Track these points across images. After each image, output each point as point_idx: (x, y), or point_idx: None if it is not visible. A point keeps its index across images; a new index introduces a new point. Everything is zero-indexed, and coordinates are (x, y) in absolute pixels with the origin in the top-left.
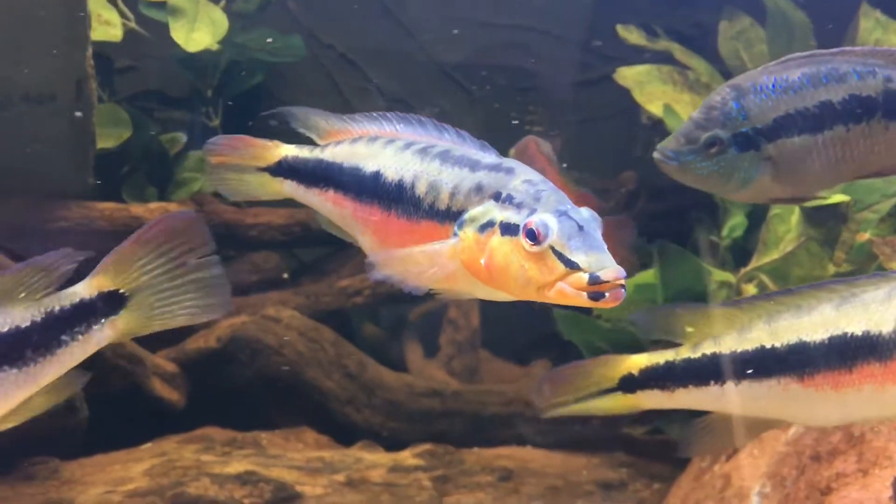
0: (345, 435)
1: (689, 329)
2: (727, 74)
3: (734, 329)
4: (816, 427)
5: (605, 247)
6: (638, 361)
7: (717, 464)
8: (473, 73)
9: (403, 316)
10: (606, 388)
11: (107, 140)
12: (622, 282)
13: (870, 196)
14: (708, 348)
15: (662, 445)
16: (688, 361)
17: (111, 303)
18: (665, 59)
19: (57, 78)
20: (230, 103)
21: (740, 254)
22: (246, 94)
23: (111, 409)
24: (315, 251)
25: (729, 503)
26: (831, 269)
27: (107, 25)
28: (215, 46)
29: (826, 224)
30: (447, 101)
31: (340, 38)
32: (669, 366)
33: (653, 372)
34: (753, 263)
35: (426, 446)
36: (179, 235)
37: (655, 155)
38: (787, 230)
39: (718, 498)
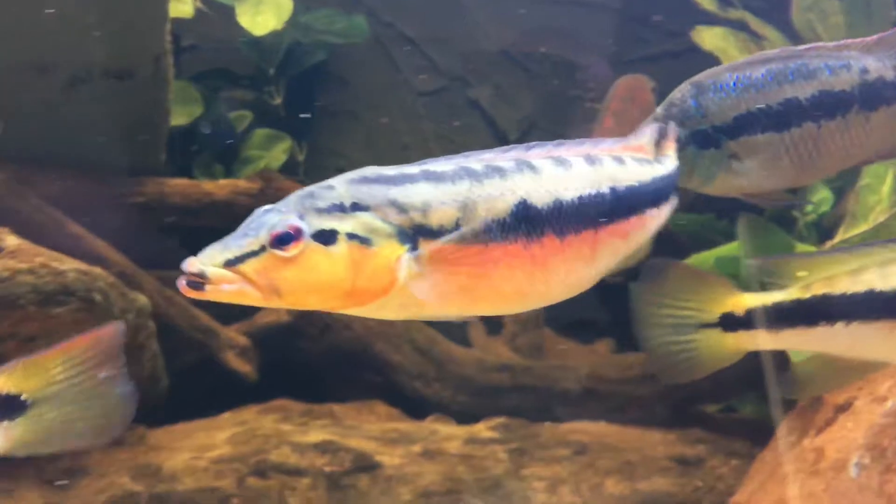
0: (414, 409)
1: (801, 274)
2: None
3: (846, 272)
4: None
5: (239, 238)
6: (743, 300)
7: (807, 438)
8: (531, 50)
9: None
10: (706, 321)
11: (179, 117)
12: (193, 269)
13: None
14: (819, 289)
15: (739, 423)
16: (798, 302)
17: (9, 407)
18: (738, 29)
19: (136, 54)
20: (293, 83)
21: (817, 229)
22: (307, 73)
23: (186, 381)
24: None
25: (824, 475)
26: None
27: (178, 2)
28: (280, 27)
29: None
30: (505, 78)
31: (400, 16)
32: (779, 306)
33: (760, 311)
34: (840, 235)
35: (500, 419)
36: (99, 351)
37: None
38: (878, 200)
39: (811, 471)
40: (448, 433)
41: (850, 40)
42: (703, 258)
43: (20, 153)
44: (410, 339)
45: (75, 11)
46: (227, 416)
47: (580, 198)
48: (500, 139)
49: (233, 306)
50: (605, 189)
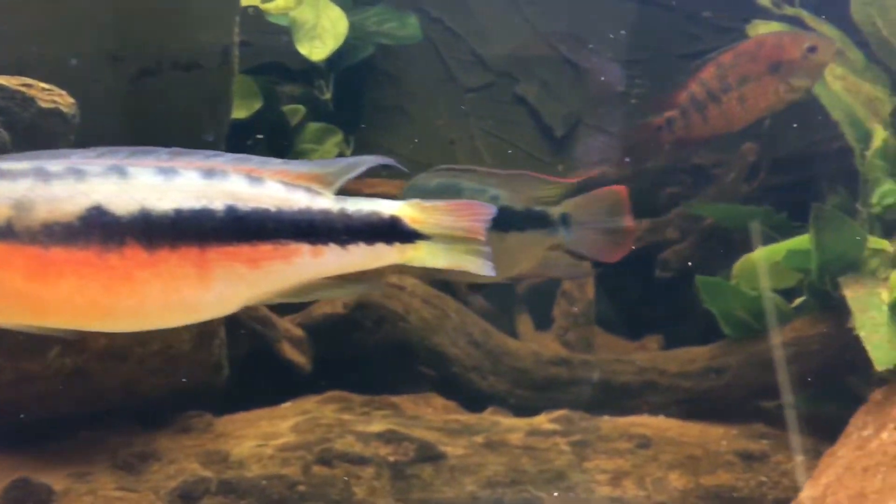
0: (470, 401)
1: None
2: (861, 43)
3: None
4: None
5: None
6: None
7: (885, 432)
8: (579, 45)
9: (511, 289)
10: None
11: (240, 111)
12: None
13: None
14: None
15: (802, 420)
16: None
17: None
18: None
19: (204, 46)
20: (339, 76)
21: (881, 223)
22: (356, 68)
23: (243, 371)
24: None
25: None
26: None
27: None
28: (337, 47)
29: None
30: (552, 74)
31: (448, 11)
32: None
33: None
34: None
35: (562, 412)
36: None
37: None
38: None
39: (894, 465)
40: (510, 425)
41: (496, 170)
42: (773, 250)
43: (87, 144)
44: (466, 332)
45: (149, 1)
46: (288, 405)
47: (178, 211)
48: (546, 135)
49: None
50: (217, 206)
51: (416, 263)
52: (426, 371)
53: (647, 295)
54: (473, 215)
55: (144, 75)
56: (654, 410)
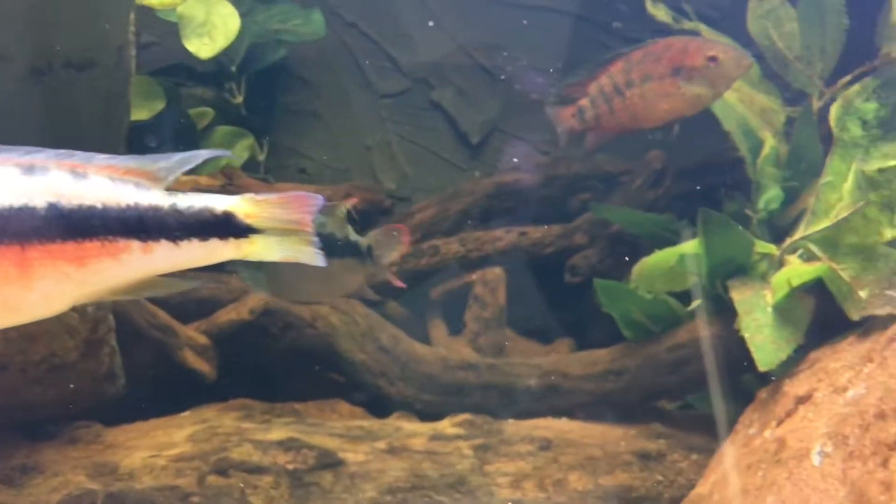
0: (378, 407)
1: None
2: (757, 56)
3: None
4: (880, 385)
5: None
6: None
7: (768, 429)
8: (494, 53)
9: (426, 294)
10: None
11: (140, 112)
12: None
13: None
14: None
15: (698, 419)
16: None
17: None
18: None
19: (98, 44)
20: (252, 81)
21: (771, 228)
22: (268, 71)
23: (143, 380)
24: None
25: (787, 464)
26: (888, 233)
27: None
28: (227, 45)
29: (890, 185)
30: (468, 81)
31: (363, 15)
32: None
33: None
34: (800, 233)
35: (465, 416)
36: None
37: None
38: (838, 198)
39: (773, 461)
40: (412, 430)
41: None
42: (667, 255)
43: None
44: (374, 337)
45: None
46: (186, 414)
47: None
48: (463, 141)
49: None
50: (38, 203)
51: (253, 258)
52: (335, 377)
53: (557, 299)
54: (303, 207)
55: (35, 75)
56: (557, 413)
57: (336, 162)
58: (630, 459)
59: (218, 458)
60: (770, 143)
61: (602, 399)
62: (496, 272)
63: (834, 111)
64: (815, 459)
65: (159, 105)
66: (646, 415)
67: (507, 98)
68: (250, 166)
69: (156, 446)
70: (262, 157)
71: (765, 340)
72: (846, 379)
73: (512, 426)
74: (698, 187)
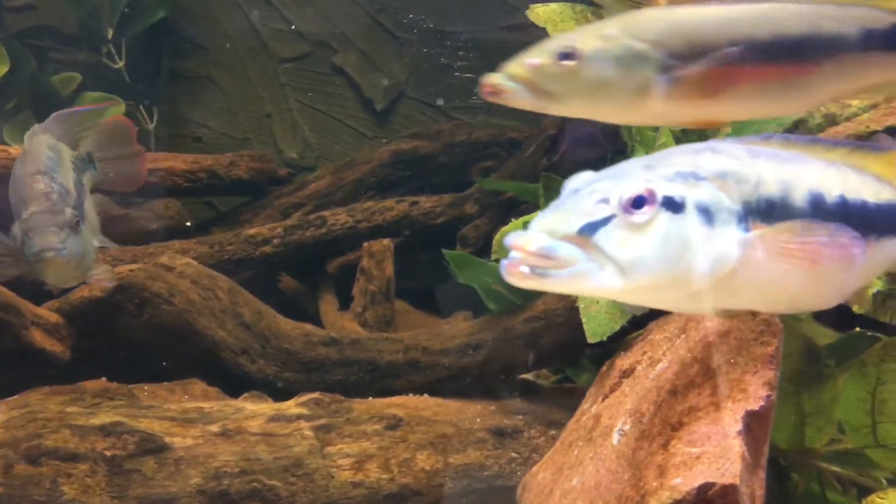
0: (238, 386)
1: None
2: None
3: None
4: (679, 359)
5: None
6: None
7: (595, 404)
8: (400, 16)
9: (323, 269)
10: None
11: None
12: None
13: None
14: None
15: (563, 392)
16: None
17: None
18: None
19: None
20: (133, 43)
21: None
22: (148, 32)
23: None
24: (233, 201)
25: (594, 443)
26: None
27: None
28: None
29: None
30: (373, 45)
31: None
32: None
33: None
34: None
35: (313, 395)
36: None
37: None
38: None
39: (587, 438)
40: (254, 411)
41: None
42: (519, 224)
43: None
44: (236, 313)
45: None
46: (11, 399)
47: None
48: (368, 108)
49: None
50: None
51: None
52: (196, 355)
53: (450, 270)
54: None
55: None
56: (417, 390)
57: (234, 131)
58: (484, 437)
59: (29, 445)
60: None
61: (459, 374)
62: (383, 243)
63: None
64: (615, 438)
65: (2, 68)
66: (508, 390)
67: (415, 62)
68: (139, 137)
69: None
70: (150, 127)
71: (598, 311)
72: (661, 352)
73: (364, 404)
74: (594, 155)
